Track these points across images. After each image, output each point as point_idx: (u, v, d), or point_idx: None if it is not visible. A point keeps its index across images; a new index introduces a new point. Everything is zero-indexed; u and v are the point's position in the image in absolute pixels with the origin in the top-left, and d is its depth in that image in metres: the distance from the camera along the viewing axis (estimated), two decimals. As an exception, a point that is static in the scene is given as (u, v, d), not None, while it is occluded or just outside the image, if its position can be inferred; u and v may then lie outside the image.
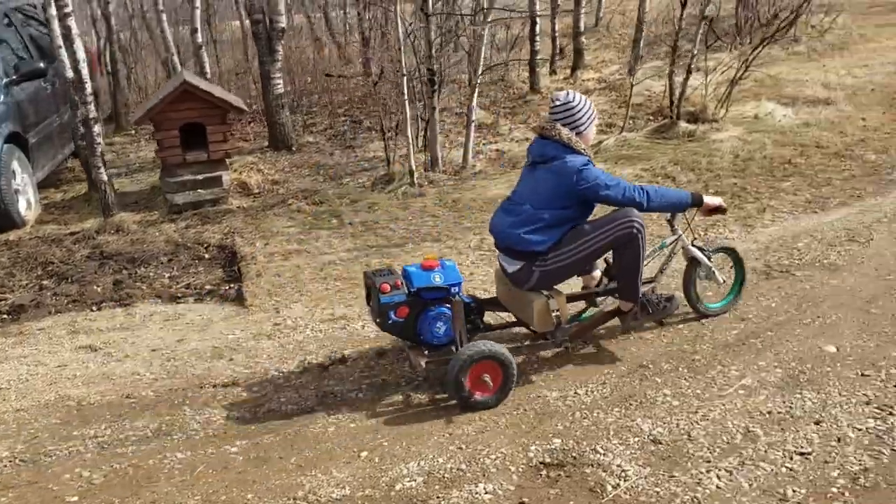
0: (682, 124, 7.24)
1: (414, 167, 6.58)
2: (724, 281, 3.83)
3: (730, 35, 12.04)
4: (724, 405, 3.06)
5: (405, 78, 6.37)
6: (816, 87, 8.89)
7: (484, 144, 7.93)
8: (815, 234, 4.82)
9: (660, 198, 3.36)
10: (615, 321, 3.65)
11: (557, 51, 11.28)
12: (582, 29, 10.75)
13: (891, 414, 2.87)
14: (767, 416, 2.95)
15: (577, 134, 3.34)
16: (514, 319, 3.67)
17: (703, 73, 7.72)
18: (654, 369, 3.41)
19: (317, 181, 7.36)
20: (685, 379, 3.30)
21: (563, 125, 3.32)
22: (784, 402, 3.02)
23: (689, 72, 7.17)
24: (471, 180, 6.68)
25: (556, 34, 11.27)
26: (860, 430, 2.80)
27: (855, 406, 2.95)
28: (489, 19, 6.99)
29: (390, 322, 3.27)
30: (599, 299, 3.66)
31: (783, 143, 6.80)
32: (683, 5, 7.01)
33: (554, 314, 3.36)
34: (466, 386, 3.10)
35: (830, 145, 6.68)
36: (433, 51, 6.50)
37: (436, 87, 6.58)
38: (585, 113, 3.36)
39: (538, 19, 9.88)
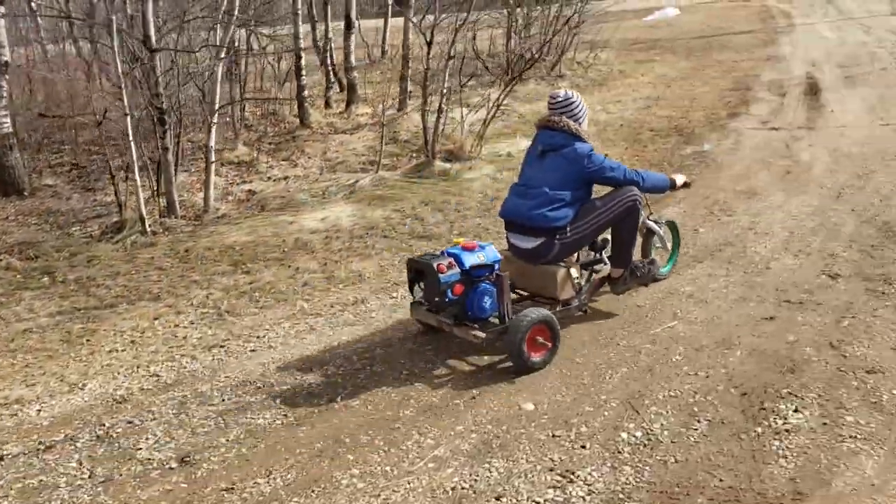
0: (438, 163, 7.19)
1: (145, 213, 5.96)
2: (667, 248, 4.58)
3: (500, 71, 12.45)
4: (409, 483, 2.80)
5: (128, 117, 5.76)
6: (572, 123, 9.28)
7: (238, 184, 7.44)
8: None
9: (650, 180, 4.00)
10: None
11: (332, 83, 11.03)
12: (353, 63, 10.57)
13: (571, 481, 2.74)
14: (450, 493, 2.73)
15: None
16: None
17: (460, 110, 7.75)
18: (351, 443, 3.10)
19: (42, 231, 6.52)
20: (379, 453, 3.02)
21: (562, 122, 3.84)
22: (470, 475, 2.82)
23: (439, 110, 7.14)
24: (210, 226, 6.16)
25: (332, 67, 11.03)
26: (538, 502, 2.64)
27: (539, 474, 2.80)
28: (222, 56, 6.55)
29: (448, 300, 3.59)
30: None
31: (531, 181, 6.92)
32: (429, 44, 6.97)
33: (576, 281, 3.89)
34: (526, 350, 3.50)
35: (574, 182, 6.88)
36: (160, 87, 5.94)
37: (166, 125, 6.02)
38: (581, 108, 3.94)
39: (302, 53, 9.57)
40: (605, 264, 4.14)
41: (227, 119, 9.16)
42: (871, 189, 5.83)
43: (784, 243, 4.96)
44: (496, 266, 3.70)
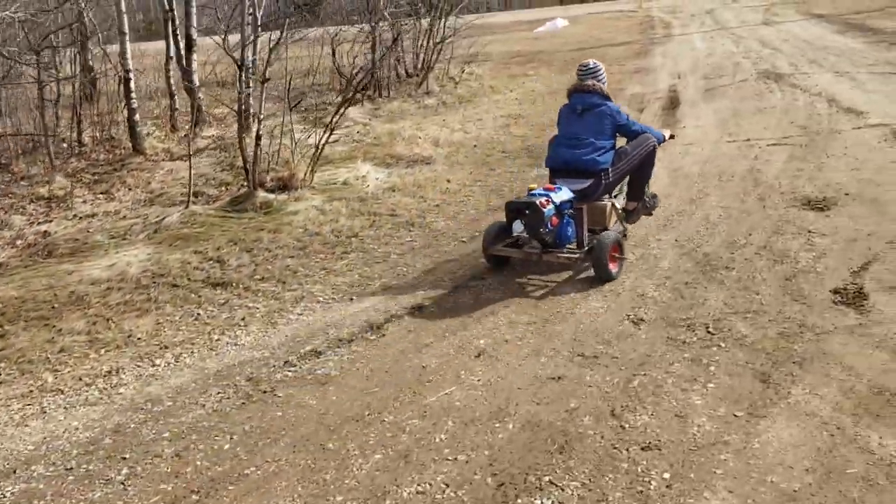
0: (261, 194, 6.58)
1: None
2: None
3: (370, 89, 11.92)
4: None
5: None
6: (427, 144, 8.84)
7: (37, 224, 6.62)
8: (331, 330, 4.28)
9: (654, 133, 4.98)
10: None
11: (175, 106, 10.25)
12: (196, 83, 9.82)
13: None
14: None
15: None
16: None
17: (291, 136, 7.16)
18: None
19: None
20: None
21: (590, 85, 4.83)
22: None
23: (258, 137, 6.53)
24: (-25, 280, 5.35)
25: (174, 88, 10.26)
26: None
27: None
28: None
29: (547, 230, 4.40)
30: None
31: (359, 213, 6.40)
32: (241, 67, 6.36)
33: (620, 212, 4.94)
34: (608, 263, 4.39)
35: (405, 213, 6.40)
36: None
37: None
38: (603, 73, 4.97)
39: (132, 75, 8.77)
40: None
41: (44, 149, 8.29)
42: (701, 215, 5.56)
43: (595, 279, 4.59)
44: (573, 201, 4.59)
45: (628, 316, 4.09)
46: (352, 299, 4.78)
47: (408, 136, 9.24)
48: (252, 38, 7.72)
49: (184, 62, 9.59)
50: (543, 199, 4.40)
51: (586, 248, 4.63)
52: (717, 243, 4.99)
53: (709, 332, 3.82)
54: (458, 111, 10.98)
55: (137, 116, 8.89)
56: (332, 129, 7.03)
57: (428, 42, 12.42)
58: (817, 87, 9.90)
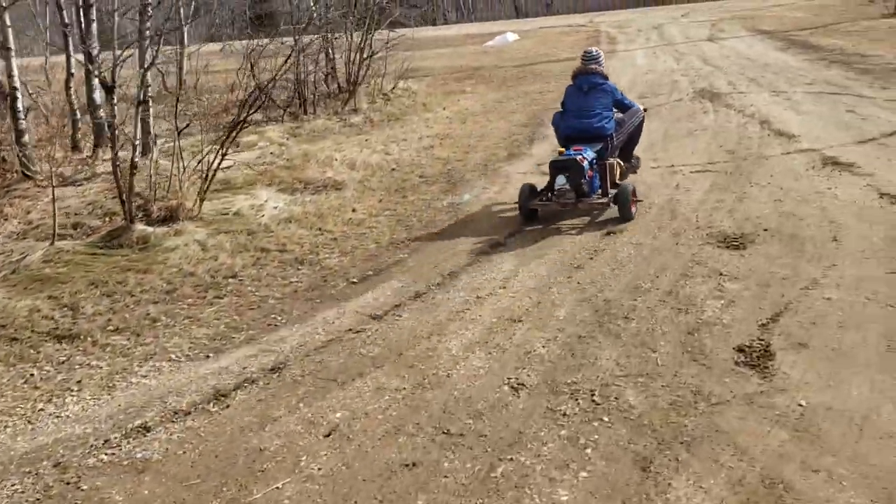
0: (139, 227, 5.97)
1: None
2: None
3: (292, 108, 11.38)
4: None
5: None
6: (342, 167, 8.30)
7: None
8: (171, 399, 3.70)
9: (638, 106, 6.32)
10: None
11: (79, 125, 9.55)
12: (98, 101, 9.15)
13: None
14: None
15: None
16: None
17: (178, 160, 6.55)
18: None
19: None
20: None
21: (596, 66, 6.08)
22: None
23: (132, 165, 5.92)
24: None
25: (76, 106, 9.56)
26: None
27: None
28: None
29: (585, 181, 5.48)
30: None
31: (244, 248, 5.82)
32: (109, 90, 5.75)
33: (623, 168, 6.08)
34: (630, 206, 5.52)
35: (296, 248, 5.84)
36: None
37: None
38: (603, 58, 6.21)
39: (19, 93, 8.08)
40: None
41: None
42: (609, 254, 5.11)
43: (484, 334, 4.09)
44: (595, 160, 5.66)
45: (509, 380, 3.59)
46: (208, 356, 4.20)
47: (323, 157, 8.69)
48: (149, 54, 7.10)
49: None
50: (580, 157, 5.48)
51: (611, 196, 5.66)
52: (621, 287, 4.52)
53: (594, 400, 3.34)
54: (384, 130, 10.46)
55: (27, 137, 8.19)
56: (223, 154, 6.44)
57: (357, 56, 11.90)
58: (752, 107, 9.61)
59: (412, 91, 13.62)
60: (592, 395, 3.38)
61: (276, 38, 10.62)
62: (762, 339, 3.71)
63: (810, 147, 7.32)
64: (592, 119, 5.84)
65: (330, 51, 12.30)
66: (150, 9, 7.01)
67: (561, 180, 5.52)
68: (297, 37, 10.98)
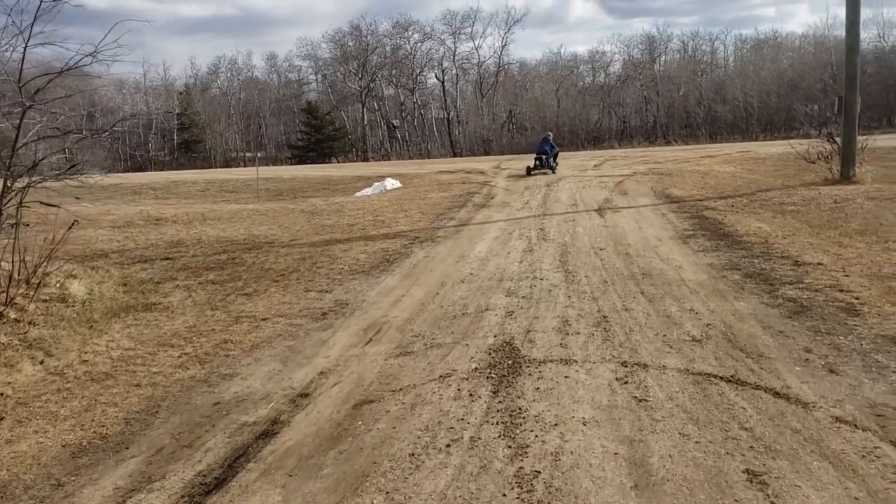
0: None
1: None
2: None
3: None
4: None
5: None
6: None
7: None
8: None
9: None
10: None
11: None
12: None
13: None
14: None
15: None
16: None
17: None
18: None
19: None
20: None
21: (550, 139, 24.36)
22: None
23: None
24: None
25: None
26: None
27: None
28: None
29: (546, 164, 22.91)
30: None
31: None
32: None
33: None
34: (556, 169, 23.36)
35: None
36: None
37: None
38: (551, 136, 25.34)
39: None
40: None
41: None
42: None
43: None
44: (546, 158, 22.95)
45: None
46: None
47: None
48: None
49: None
50: (545, 155, 22.74)
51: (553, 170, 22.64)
52: None
53: None
54: None
55: None
56: None
57: None
58: (560, 414, 4.38)
59: (96, 294, 8.25)
60: None
61: None
62: None
63: None
64: (544, 148, 22.87)
65: None
66: None
67: (535, 163, 22.54)
68: None
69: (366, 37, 65.45)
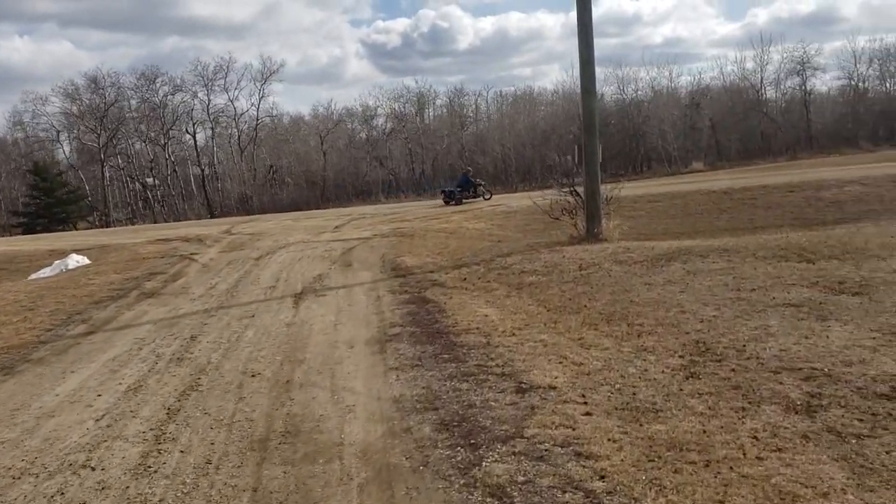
0: None
1: None
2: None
3: None
4: None
5: None
6: None
7: None
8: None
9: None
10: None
11: None
12: None
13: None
14: None
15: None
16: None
17: None
18: None
19: None
20: None
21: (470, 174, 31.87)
22: None
23: None
24: None
25: None
26: None
27: None
28: None
29: (455, 197, 29.22)
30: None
31: None
32: None
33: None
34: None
35: None
36: None
37: None
38: (471, 172, 33.04)
39: None
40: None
41: None
42: None
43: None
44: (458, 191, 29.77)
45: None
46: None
47: None
48: None
49: None
50: (453, 191, 29.47)
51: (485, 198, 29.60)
52: None
53: None
54: None
55: None
56: None
57: None
58: None
59: None
60: None
61: None
62: None
63: None
64: (460, 181, 30.00)
65: None
66: None
67: (445, 197, 29.53)
68: None
69: (102, 89, 58.39)
